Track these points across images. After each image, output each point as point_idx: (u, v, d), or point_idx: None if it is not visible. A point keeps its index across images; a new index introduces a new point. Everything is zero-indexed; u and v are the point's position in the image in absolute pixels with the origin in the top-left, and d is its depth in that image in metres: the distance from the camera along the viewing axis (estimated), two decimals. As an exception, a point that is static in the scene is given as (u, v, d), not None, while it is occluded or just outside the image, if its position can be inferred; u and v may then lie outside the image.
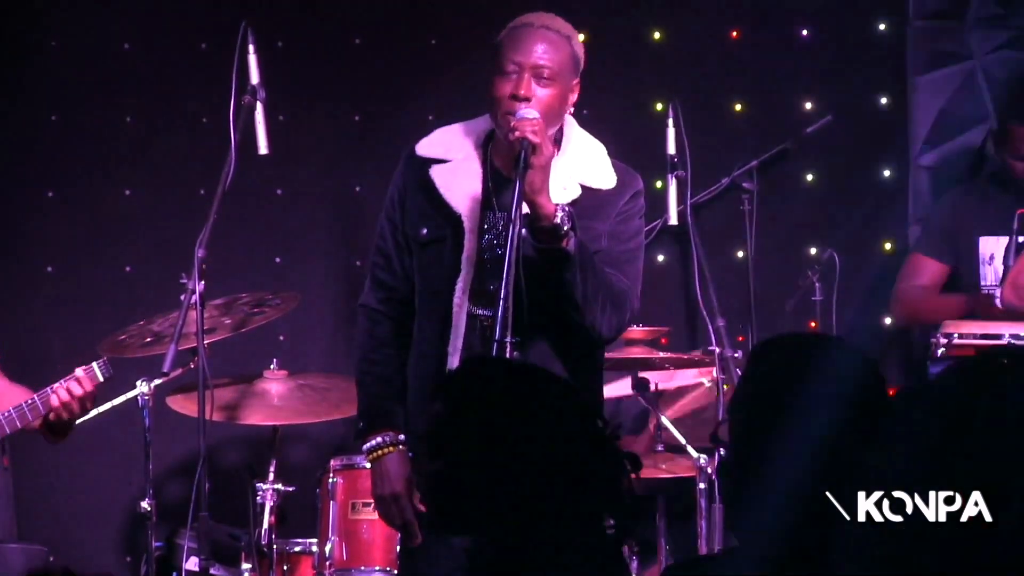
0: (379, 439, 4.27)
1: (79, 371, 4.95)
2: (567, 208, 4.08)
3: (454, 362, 4.17)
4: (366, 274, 4.44)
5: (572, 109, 4.28)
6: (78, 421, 5.06)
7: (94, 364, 4.96)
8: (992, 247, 6.05)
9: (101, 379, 4.97)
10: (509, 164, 4.20)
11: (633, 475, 2.75)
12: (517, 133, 4.04)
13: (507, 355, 3.88)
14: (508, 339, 3.90)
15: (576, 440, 2.77)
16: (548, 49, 4.17)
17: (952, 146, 6.67)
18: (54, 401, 4.91)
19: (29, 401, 4.94)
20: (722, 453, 2.65)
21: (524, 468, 2.73)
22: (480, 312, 4.21)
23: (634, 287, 4.26)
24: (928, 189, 6.69)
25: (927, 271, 6.17)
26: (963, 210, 6.17)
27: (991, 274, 6.03)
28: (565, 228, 4.04)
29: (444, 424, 2.81)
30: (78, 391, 4.93)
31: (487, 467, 2.74)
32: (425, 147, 4.35)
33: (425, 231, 4.26)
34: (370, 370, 4.34)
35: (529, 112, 4.09)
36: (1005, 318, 5.66)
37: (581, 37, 4.31)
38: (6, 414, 4.98)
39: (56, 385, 4.94)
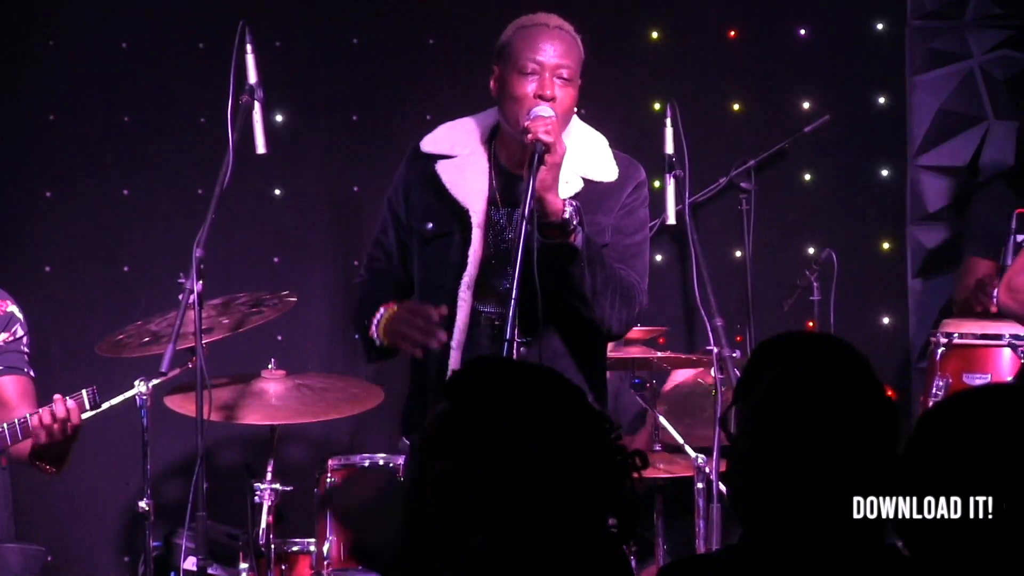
0: (380, 311, 4.24)
1: (68, 398, 4.79)
2: (575, 203, 4.08)
3: (456, 358, 4.17)
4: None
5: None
6: (68, 453, 4.89)
7: (83, 392, 4.83)
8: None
9: (88, 407, 4.82)
10: (514, 160, 4.20)
11: (636, 474, 2.74)
12: (530, 136, 4.04)
13: (514, 353, 3.89)
14: (516, 337, 3.90)
15: (579, 440, 2.76)
16: (566, 51, 4.18)
17: (950, 145, 6.67)
18: (34, 422, 4.76)
19: (10, 424, 4.80)
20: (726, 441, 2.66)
21: (527, 468, 2.72)
22: (484, 309, 4.21)
23: (642, 281, 4.25)
24: (926, 189, 6.69)
25: (979, 271, 6.17)
26: (991, 204, 6.18)
27: None
28: (573, 223, 4.04)
29: (447, 423, 2.81)
30: (61, 413, 4.75)
31: (490, 466, 2.73)
32: (430, 143, 4.35)
33: (431, 226, 4.26)
34: (366, 302, 4.32)
35: (543, 111, 4.09)
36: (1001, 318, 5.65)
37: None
38: None
39: (41, 409, 4.80)
